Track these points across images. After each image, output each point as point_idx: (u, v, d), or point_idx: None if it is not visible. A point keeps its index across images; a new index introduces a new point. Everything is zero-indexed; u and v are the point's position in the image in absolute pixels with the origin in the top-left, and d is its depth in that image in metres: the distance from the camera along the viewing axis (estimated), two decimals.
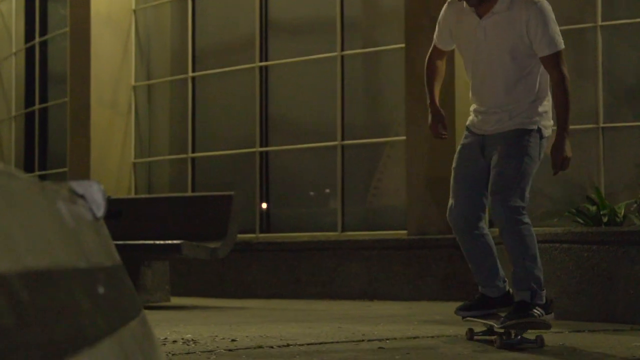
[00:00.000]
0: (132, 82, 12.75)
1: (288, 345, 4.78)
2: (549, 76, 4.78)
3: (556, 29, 4.68)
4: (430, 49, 5.28)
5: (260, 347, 4.70)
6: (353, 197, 11.00)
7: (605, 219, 7.05)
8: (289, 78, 11.65)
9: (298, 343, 4.86)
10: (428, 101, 5.17)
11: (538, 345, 4.54)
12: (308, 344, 4.82)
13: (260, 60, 11.68)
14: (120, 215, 9.27)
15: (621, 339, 5.11)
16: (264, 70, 11.70)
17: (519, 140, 4.75)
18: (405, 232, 10.10)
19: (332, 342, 4.92)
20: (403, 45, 10.35)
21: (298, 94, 11.59)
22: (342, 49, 11.08)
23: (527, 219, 4.65)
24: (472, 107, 5.14)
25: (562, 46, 4.71)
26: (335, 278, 9.91)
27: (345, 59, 11.10)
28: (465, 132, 5.12)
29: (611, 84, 9.64)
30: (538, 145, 4.78)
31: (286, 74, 11.64)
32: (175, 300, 9.17)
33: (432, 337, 5.25)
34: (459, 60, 9.93)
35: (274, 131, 11.65)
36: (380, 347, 4.66)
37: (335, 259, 9.99)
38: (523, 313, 4.57)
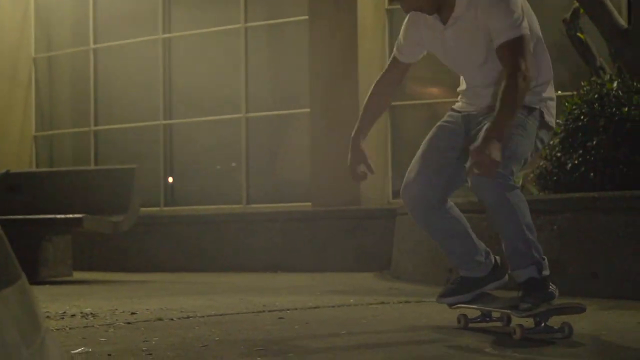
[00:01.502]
0: (32, 54, 12.50)
1: (188, 317, 4.76)
2: (545, 60, 4.02)
3: (515, 10, 3.74)
4: (387, 66, 4.23)
5: (160, 319, 4.67)
6: (258, 170, 10.99)
7: None
8: (192, 50, 11.55)
9: (199, 315, 4.84)
10: (353, 132, 4.09)
11: (566, 334, 3.67)
12: (208, 316, 4.81)
13: (163, 32, 11.56)
14: (20, 189, 9.11)
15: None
16: (167, 42, 11.58)
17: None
18: (309, 204, 10.14)
19: (232, 314, 4.92)
20: (306, 17, 10.35)
21: (202, 66, 11.51)
22: (246, 21, 11.04)
23: (515, 185, 3.77)
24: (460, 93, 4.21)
25: (523, 32, 3.74)
26: (240, 251, 9.90)
27: (248, 31, 11.05)
28: (449, 112, 4.19)
29: None
30: (536, 124, 3.88)
31: (189, 46, 11.55)
32: (77, 275, 9.06)
33: (333, 307, 5.28)
34: (362, 22, 9.98)
35: (177, 104, 11.56)
36: (280, 318, 4.67)
37: (240, 232, 9.97)
38: (542, 293, 3.74)
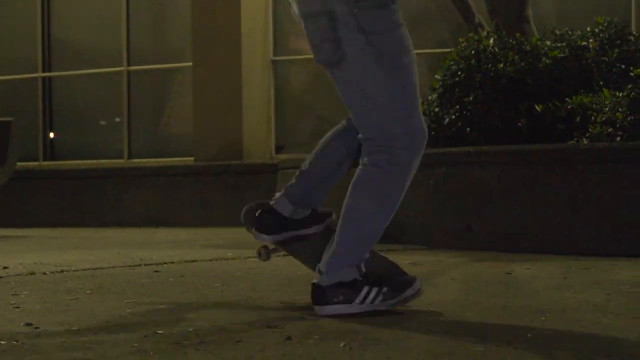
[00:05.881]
0: None
1: (62, 271, 4.69)
2: None
3: None
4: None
5: (33, 273, 4.59)
6: (140, 124, 10.85)
7: None
8: (72, 1, 11.29)
9: (73, 269, 4.78)
10: None
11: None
12: (83, 270, 4.75)
13: None
14: None
15: (393, 258, 5.27)
16: None
17: None
18: (192, 158, 10.08)
19: (107, 267, 4.87)
20: None
21: (82, 17, 11.26)
22: None
23: None
24: None
25: None
26: (121, 206, 9.79)
27: None
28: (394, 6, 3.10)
29: None
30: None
31: None
32: None
33: (211, 260, 5.28)
34: None
35: (57, 56, 11.30)
36: (155, 271, 4.65)
37: (121, 187, 9.86)
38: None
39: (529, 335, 2.56)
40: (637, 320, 2.88)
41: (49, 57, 11.27)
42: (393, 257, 5.30)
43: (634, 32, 6.85)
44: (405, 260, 5.11)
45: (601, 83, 6.31)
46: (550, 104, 6.12)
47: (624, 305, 3.27)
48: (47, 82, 11.25)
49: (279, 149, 10.13)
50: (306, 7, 3.11)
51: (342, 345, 2.52)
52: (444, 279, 4.21)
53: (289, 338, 2.63)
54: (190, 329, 2.81)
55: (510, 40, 6.58)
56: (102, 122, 11.28)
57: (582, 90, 6.21)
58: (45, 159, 11.11)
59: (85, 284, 4.08)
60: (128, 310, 3.24)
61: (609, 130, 5.72)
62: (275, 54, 10.25)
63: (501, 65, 6.37)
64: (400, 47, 3.05)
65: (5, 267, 4.90)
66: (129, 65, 10.80)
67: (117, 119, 10.96)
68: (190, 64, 10.22)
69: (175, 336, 2.69)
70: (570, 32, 6.72)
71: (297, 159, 7.75)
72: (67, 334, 2.75)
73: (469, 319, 3.00)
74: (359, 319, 3.00)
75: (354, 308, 3.08)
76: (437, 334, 2.71)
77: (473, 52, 6.52)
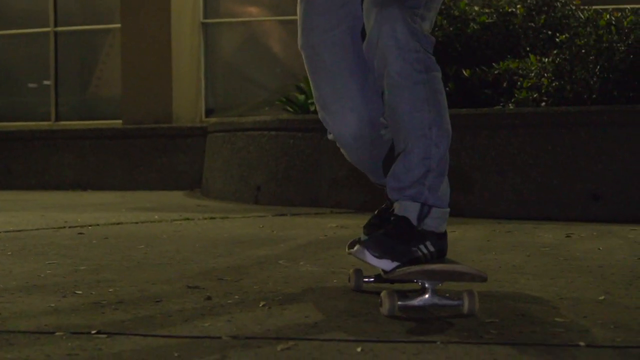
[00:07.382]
0: None
1: None
2: None
3: None
4: None
5: None
6: (68, 86, 10.70)
7: (312, 107, 7.24)
8: None
9: None
10: None
11: (467, 310, 2.37)
12: (6, 232, 4.69)
13: None
14: None
15: (320, 221, 5.30)
16: None
17: None
18: (120, 121, 9.98)
19: (31, 229, 4.82)
20: None
21: None
22: None
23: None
24: None
25: None
26: (48, 168, 9.66)
27: None
28: None
29: None
30: None
31: None
32: None
33: (136, 223, 5.24)
34: None
35: None
36: (80, 233, 4.60)
37: (48, 149, 9.72)
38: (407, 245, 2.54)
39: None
40: (553, 281, 2.92)
41: None
42: (318, 220, 5.33)
43: None
44: (330, 223, 5.14)
45: (528, 49, 6.37)
46: (477, 69, 6.17)
47: (542, 266, 3.32)
48: None
49: (208, 113, 10.07)
50: None
51: (261, 304, 2.52)
52: None
53: (209, 298, 2.63)
54: (110, 290, 2.79)
55: None
56: (29, 84, 11.10)
57: (509, 56, 6.26)
58: None
59: (7, 246, 4.03)
60: (48, 272, 3.21)
61: (535, 95, 5.78)
62: (205, 17, 10.16)
63: None
64: None
65: None
66: (55, 25, 10.62)
67: (45, 81, 10.80)
68: (119, 25, 10.10)
69: (94, 296, 2.67)
70: None
71: (226, 122, 7.72)
72: None
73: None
74: (281, 282, 3.00)
75: None
76: (357, 293, 2.72)
77: None
